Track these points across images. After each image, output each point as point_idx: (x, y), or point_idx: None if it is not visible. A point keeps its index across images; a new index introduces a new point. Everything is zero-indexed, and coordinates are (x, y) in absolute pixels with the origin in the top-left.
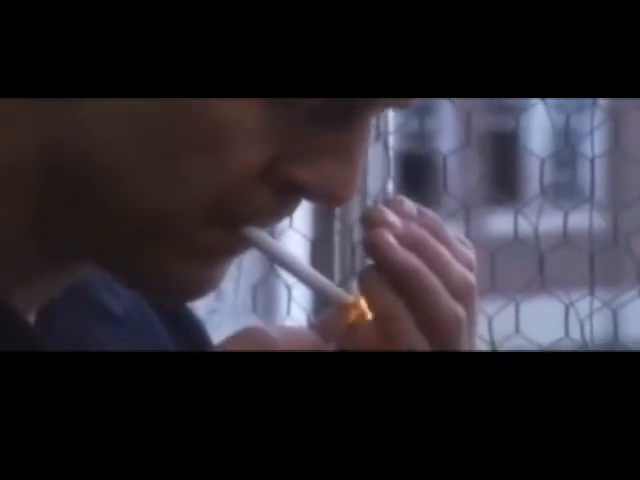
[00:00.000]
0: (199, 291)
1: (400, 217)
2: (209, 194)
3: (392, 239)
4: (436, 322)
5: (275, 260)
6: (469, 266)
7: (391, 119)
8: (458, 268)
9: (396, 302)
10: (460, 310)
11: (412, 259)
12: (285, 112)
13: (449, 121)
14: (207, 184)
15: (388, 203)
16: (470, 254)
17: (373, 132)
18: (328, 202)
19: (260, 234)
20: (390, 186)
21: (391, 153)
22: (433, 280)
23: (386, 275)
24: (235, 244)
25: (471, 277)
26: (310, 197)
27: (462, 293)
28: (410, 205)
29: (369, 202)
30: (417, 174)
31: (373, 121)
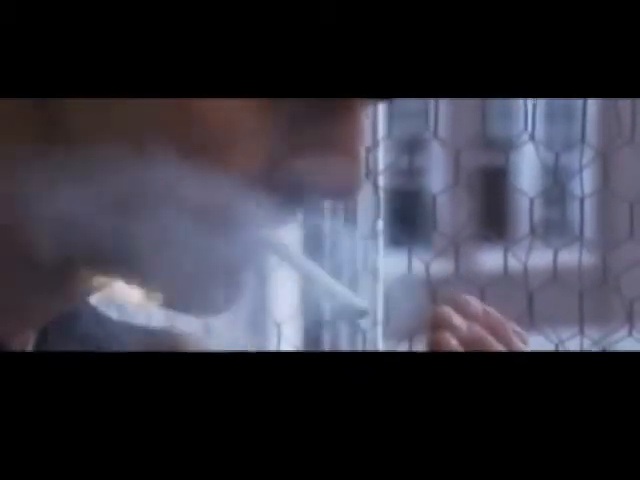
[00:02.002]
0: (220, 307)
1: (465, 318)
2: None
3: (455, 343)
4: None
5: (292, 265)
6: None
7: (381, 158)
8: None
9: None
10: None
11: None
12: (281, 111)
13: (438, 159)
14: (208, 187)
15: (454, 304)
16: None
17: (363, 170)
18: (334, 196)
19: (274, 238)
20: (380, 225)
21: (381, 193)
22: None
23: None
24: (250, 250)
25: None
26: (316, 193)
27: None
28: (476, 305)
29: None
30: (407, 213)
31: (368, 110)
